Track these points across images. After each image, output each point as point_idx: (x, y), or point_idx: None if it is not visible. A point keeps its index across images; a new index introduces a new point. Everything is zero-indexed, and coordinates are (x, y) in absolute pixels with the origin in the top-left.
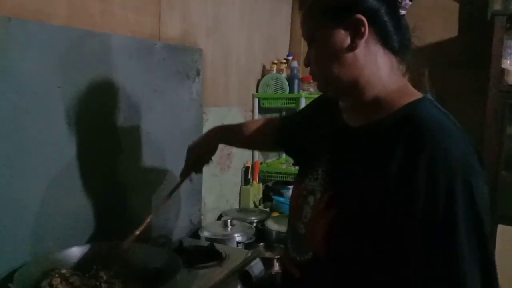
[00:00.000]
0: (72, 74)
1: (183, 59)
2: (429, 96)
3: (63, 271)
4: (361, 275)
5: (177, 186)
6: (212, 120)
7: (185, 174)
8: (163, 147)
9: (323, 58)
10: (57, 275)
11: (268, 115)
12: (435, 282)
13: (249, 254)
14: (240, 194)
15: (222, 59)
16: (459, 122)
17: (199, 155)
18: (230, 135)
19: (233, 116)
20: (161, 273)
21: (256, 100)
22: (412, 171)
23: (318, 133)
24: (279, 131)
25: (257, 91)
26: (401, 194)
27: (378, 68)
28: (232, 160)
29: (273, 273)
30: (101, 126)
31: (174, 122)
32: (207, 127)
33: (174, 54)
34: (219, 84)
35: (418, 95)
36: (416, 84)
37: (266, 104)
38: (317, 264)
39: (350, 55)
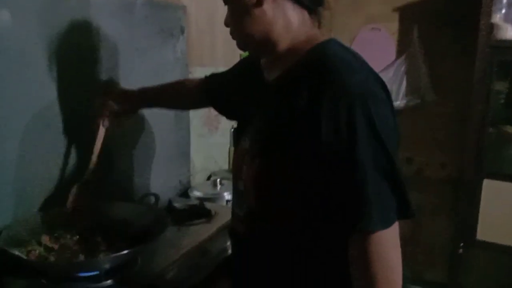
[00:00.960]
0: (50, 32)
1: (166, 17)
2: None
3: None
4: (289, 221)
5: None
6: (197, 74)
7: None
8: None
9: (235, 16)
10: (45, 234)
11: None
12: (346, 199)
13: None
14: (229, 155)
15: (207, 17)
16: (448, 81)
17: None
18: (153, 96)
19: None
20: (149, 231)
21: None
22: (316, 104)
23: (244, 92)
24: (205, 88)
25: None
26: (308, 128)
27: (289, 22)
28: (220, 121)
29: None
30: (81, 87)
31: (159, 82)
32: None
33: (156, 11)
34: (204, 43)
35: (324, 38)
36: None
37: None
38: (253, 217)
39: (258, 10)
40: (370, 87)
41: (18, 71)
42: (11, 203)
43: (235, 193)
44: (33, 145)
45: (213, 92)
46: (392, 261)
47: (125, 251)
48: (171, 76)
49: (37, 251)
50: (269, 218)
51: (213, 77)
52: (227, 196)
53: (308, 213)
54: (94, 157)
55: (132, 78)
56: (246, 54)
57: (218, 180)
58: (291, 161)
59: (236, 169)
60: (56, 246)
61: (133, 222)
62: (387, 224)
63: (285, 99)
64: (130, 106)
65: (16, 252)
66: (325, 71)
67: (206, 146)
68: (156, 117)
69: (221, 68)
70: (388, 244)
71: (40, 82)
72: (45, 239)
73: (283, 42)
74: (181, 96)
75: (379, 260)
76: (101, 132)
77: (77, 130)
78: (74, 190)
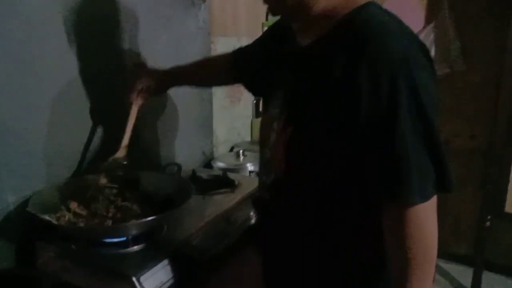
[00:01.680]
0: (73, 1)
1: None
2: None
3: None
4: (317, 190)
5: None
6: (220, 50)
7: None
8: None
9: None
10: (73, 201)
11: None
12: (385, 170)
13: None
14: (251, 127)
15: None
16: (478, 50)
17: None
18: (185, 77)
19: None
20: (174, 199)
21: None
22: (354, 71)
23: (274, 59)
24: (233, 65)
25: (266, 20)
26: (345, 96)
27: None
28: (242, 93)
29: None
30: (105, 58)
31: (181, 52)
32: None
33: None
34: (226, 12)
35: (363, 2)
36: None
37: None
38: (280, 185)
39: None
40: (413, 52)
41: (41, 40)
42: (41, 171)
43: (262, 161)
44: (60, 116)
45: (241, 69)
46: (429, 234)
47: (152, 218)
48: (193, 46)
49: (67, 217)
50: (297, 187)
51: (240, 52)
52: (250, 167)
53: (339, 181)
54: (126, 137)
55: (155, 48)
56: (269, 23)
57: (241, 151)
58: (325, 129)
59: (264, 138)
60: (84, 213)
61: (159, 190)
62: (426, 197)
63: (320, 66)
64: (163, 86)
65: (46, 217)
66: (364, 36)
67: (229, 118)
68: (180, 89)
69: (244, 38)
70: (426, 217)
71: (63, 52)
72: (73, 205)
73: (318, 5)
74: (211, 75)
75: (416, 233)
76: (134, 111)
77: (102, 101)
78: (104, 166)
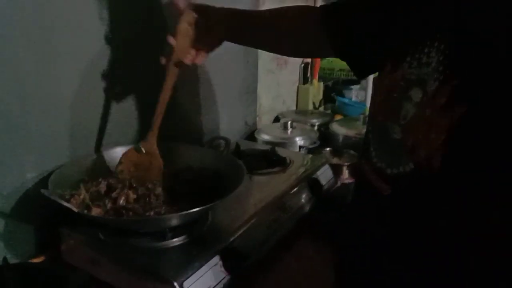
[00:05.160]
0: None
1: None
2: None
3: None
4: (482, 192)
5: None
6: (269, 3)
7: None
8: None
9: None
10: (101, 179)
11: None
12: None
13: (316, 160)
14: (297, 94)
15: None
16: None
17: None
18: (241, 29)
19: None
20: (220, 182)
21: None
22: None
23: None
24: (331, 22)
25: None
26: None
27: None
28: None
29: (346, 182)
30: (138, 18)
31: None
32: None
33: None
34: None
35: None
36: None
37: None
38: (421, 180)
39: None
40: None
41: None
42: (64, 144)
43: (383, 141)
44: (86, 86)
45: (346, 35)
46: None
47: (196, 209)
48: None
49: (82, 196)
50: (456, 186)
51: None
52: (300, 141)
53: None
54: (161, 107)
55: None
56: None
57: (289, 122)
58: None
59: (386, 107)
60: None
61: (201, 169)
62: None
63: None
64: (214, 41)
65: (65, 203)
66: None
67: (275, 83)
68: (222, 48)
69: None
70: None
71: (89, 16)
72: (98, 186)
73: None
74: (291, 38)
75: None
76: (173, 73)
77: (134, 71)
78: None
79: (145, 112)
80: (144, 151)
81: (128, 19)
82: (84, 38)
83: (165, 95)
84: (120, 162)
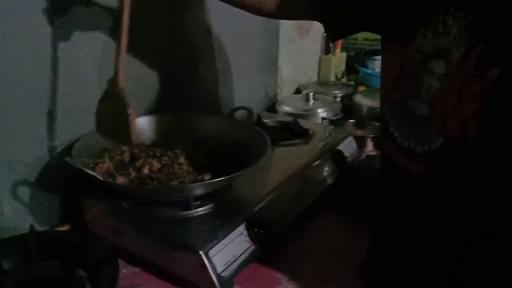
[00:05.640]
0: None
1: None
2: None
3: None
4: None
5: None
6: None
7: None
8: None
9: None
10: (124, 148)
11: None
12: None
13: (340, 132)
14: (319, 64)
15: None
16: None
17: None
18: None
19: None
20: (244, 150)
21: None
22: None
23: None
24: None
25: None
26: None
27: None
28: (312, 23)
29: (370, 154)
30: None
31: None
32: None
33: None
34: None
35: None
36: None
37: None
38: (455, 153)
39: None
40: None
41: None
42: (88, 114)
43: (405, 120)
44: (107, 56)
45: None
46: None
47: (220, 178)
48: None
49: (106, 164)
50: (494, 160)
51: None
52: (322, 113)
53: None
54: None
55: None
56: None
57: (311, 94)
58: None
59: (405, 83)
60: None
61: (224, 139)
62: None
63: None
64: None
65: (90, 171)
66: None
67: (296, 53)
68: (241, 15)
69: None
70: None
71: None
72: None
73: None
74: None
75: None
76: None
77: (158, 29)
78: None
79: (160, 82)
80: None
81: None
82: (104, 7)
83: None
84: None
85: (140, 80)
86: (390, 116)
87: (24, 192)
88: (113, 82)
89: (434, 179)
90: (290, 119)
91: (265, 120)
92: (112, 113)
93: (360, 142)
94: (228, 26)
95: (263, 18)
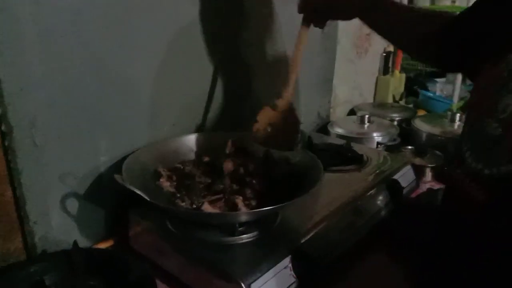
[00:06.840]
0: None
1: None
2: None
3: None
4: None
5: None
6: None
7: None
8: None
9: None
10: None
11: None
12: None
13: (397, 159)
14: (376, 85)
15: None
16: None
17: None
18: (377, 9)
19: None
20: (294, 176)
21: None
22: None
23: None
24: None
25: None
26: None
27: None
28: (371, 43)
29: (433, 187)
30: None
31: None
32: None
33: None
34: None
35: None
36: None
37: None
38: None
39: None
40: None
41: None
42: (140, 129)
43: (478, 138)
44: (173, 61)
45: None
46: None
47: (269, 208)
48: None
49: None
50: None
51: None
52: (378, 137)
53: None
54: (291, 82)
55: None
56: None
57: (367, 116)
58: None
59: (486, 101)
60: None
61: (274, 162)
62: None
63: None
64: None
65: (137, 191)
66: None
67: (352, 73)
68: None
69: None
70: None
71: None
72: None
73: None
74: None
75: None
76: (304, 36)
77: (213, 47)
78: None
79: (216, 100)
80: (279, 108)
81: None
82: (161, 20)
83: (298, 53)
84: (255, 121)
85: (196, 97)
86: (466, 135)
87: (73, 205)
88: (284, 97)
89: (497, 209)
90: (342, 142)
91: (316, 142)
92: (278, 123)
93: (419, 171)
94: (284, 42)
95: (321, 37)
